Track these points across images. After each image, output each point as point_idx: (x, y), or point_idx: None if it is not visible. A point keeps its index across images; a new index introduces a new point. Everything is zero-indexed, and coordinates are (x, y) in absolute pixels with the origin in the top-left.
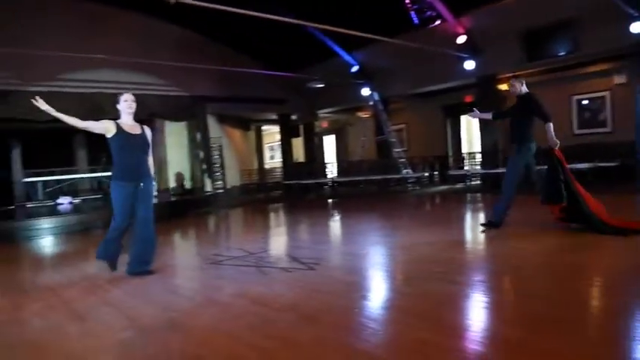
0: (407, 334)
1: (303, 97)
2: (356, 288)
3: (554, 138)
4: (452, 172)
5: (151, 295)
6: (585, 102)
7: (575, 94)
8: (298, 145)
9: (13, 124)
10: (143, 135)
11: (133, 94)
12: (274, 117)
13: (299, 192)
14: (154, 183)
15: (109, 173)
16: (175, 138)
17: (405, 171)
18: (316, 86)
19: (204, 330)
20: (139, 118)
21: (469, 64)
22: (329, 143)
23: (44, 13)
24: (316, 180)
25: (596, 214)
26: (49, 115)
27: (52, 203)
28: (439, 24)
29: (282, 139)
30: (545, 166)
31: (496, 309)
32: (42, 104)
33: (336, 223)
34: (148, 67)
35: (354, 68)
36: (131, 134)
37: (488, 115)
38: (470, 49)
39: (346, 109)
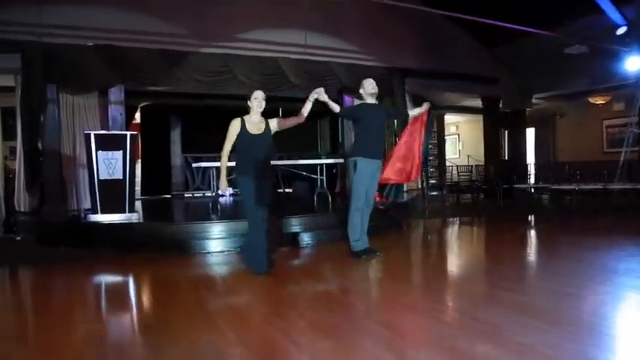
0: None
1: (516, 75)
2: None
3: None
4: None
5: None
6: None
7: None
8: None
9: (173, 100)
10: (265, 134)
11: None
12: (466, 103)
13: (503, 199)
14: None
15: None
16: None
17: None
18: (576, 52)
19: None
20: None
21: None
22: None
23: None
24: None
25: None
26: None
27: (213, 194)
28: None
29: (485, 130)
30: None
31: None
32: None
33: None
34: (336, 29)
35: (621, 30)
36: (253, 134)
37: (336, 108)
38: None
39: (568, 94)
